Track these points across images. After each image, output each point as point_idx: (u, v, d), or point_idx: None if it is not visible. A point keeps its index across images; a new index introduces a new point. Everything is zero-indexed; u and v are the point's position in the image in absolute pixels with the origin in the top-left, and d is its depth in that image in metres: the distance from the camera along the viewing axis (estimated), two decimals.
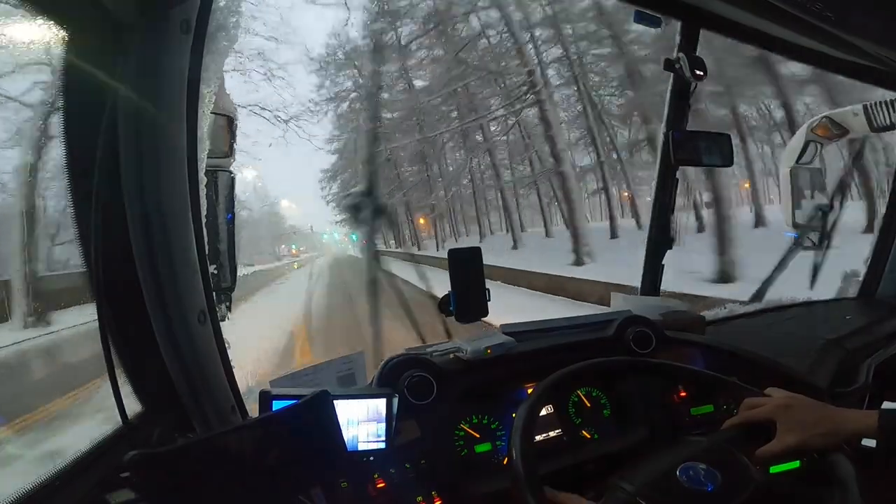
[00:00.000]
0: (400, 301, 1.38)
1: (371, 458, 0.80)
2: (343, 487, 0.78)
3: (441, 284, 0.98)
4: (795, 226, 1.56)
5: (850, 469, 0.62)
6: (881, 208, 1.54)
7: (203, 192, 0.63)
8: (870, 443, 0.64)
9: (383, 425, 0.79)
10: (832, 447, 0.65)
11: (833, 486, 0.61)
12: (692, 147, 1.27)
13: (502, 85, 13.91)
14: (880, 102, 1.36)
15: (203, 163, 0.62)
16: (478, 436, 0.90)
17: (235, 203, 0.77)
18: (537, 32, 12.81)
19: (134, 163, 0.54)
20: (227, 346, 0.68)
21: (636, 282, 1.41)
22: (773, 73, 8.81)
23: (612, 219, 14.03)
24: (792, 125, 9.09)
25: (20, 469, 2.49)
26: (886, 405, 1.00)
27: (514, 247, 15.28)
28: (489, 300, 0.96)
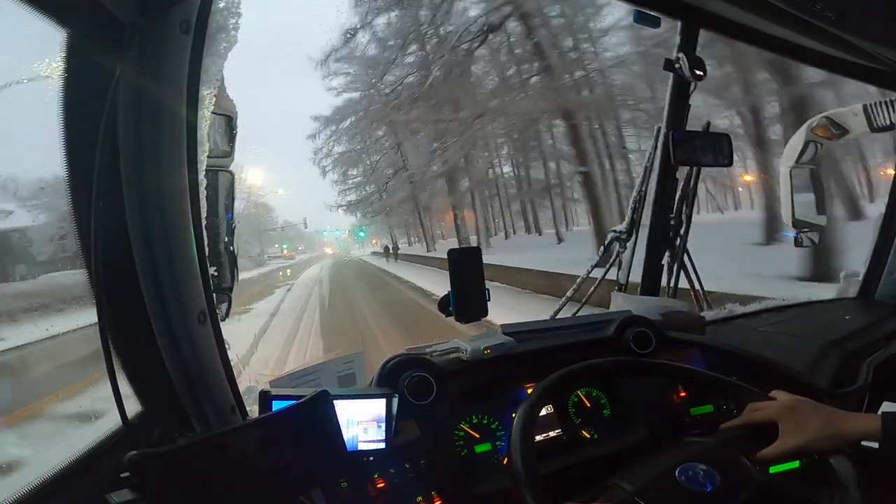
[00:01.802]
0: None
1: (371, 458, 0.80)
2: (343, 487, 0.78)
3: None
4: (795, 224, 1.56)
5: (851, 470, 0.62)
6: None
7: (203, 192, 0.63)
8: (870, 443, 0.64)
9: (383, 425, 0.79)
10: (835, 451, 0.65)
11: (833, 487, 0.61)
12: (692, 147, 1.27)
13: None
14: (880, 102, 1.36)
15: (203, 164, 0.62)
16: (478, 436, 0.90)
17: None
18: None
19: (134, 163, 0.54)
20: (227, 346, 0.68)
21: None
22: None
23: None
24: None
25: None
26: (886, 406, 1.00)
27: None
28: (489, 300, 0.95)
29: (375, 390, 0.85)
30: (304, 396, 0.66)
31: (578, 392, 0.97)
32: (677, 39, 1.25)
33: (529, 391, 0.87)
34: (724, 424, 0.75)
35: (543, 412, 0.93)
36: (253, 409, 0.74)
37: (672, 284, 1.43)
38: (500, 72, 12.54)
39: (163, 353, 0.61)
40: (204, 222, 0.64)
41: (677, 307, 1.22)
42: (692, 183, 1.40)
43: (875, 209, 1.67)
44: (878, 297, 1.53)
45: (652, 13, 1.15)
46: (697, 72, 1.23)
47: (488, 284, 0.94)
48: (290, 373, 0.90)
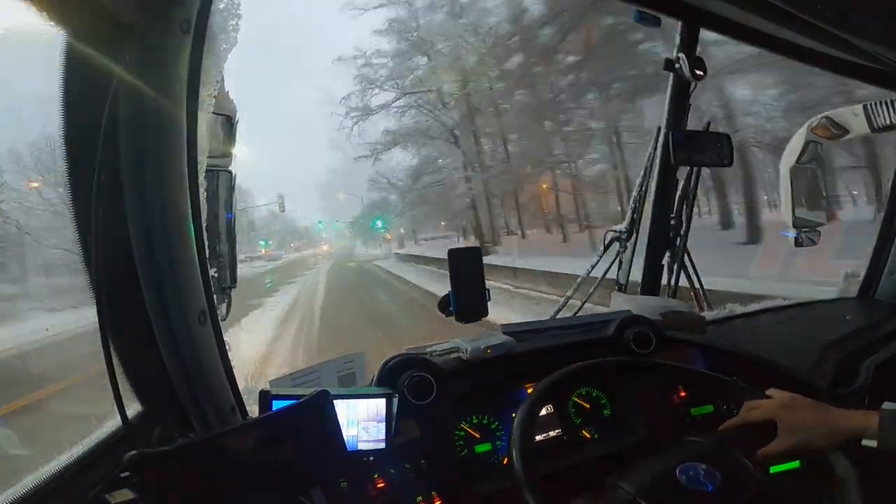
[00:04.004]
0: None
1: (371, 458, 0.80)
2: (343, 487, 0.78)
3: None
4: (795, 225, 1.56)
5: (850, 468, 0.62)
6: None
7: (203, 192, 0.63)
8: (870, 442, 0.64)
9: (383, 425, 0.79)
10: (833, 447, 0.65)
11: (833, 486, 0.61)
12: (692, 147, 1.27)
13: None
14: (880, 102, 1.36)
15: (203, 164, 0.62)
16: (478, 436, 0.90)
17: None
18: None
19: (134, 163, 0.54)
20: (227, 346, 0.68)
21: None
22: None
23: None
24: None
25: None
26: (887, 405, 1.00)
27: None
28: (489, 300, 0.95)
29: (376, 390, 0.85)
30: (304, 396, 0.66)
31: (578, 392, 0.97)
32: (677, 39, 1.25)
33: (529, 391, 0.87)
34: (723, 425, 0.75)
35: (543, 412, 0.93)
36: (253, 409, 0.74)
37: (672, 284, 1.43)
38: None
39: (163, 353, 0.61)
40: (204, 222, 0.64)
41: (677, 307, 1.22)
42: (692, 183, 1.40)
43: None
44: (878, 296, 1.53)
45: (652, 13, 1.15)
46: (697, 72, 1.23)
47: None
48: (290, 373, 0.90)
